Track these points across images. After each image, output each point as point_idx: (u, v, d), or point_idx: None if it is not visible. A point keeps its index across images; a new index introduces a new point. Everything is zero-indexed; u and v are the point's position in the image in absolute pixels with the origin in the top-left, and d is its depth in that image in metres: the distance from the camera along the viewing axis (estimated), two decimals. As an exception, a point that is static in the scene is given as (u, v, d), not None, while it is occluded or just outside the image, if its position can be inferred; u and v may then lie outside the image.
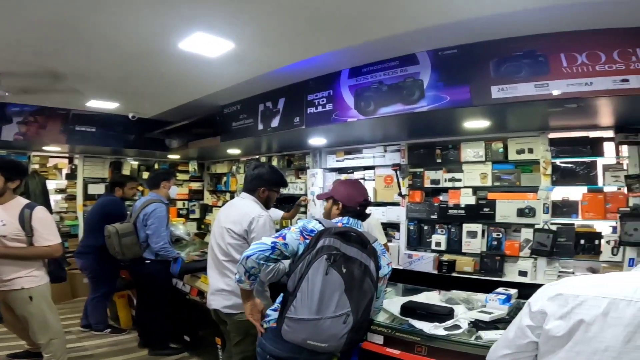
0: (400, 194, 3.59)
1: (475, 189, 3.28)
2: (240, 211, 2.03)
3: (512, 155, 3.09)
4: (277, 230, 1.71)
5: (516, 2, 1.85)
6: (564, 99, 2.13)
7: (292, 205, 3.92)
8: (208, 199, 6.25)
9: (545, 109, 2.39)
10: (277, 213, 3.61)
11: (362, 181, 3.93)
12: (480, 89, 2.31)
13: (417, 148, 3.60)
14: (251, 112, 3.73)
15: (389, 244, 3.57)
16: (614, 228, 2.71)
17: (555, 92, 2.12)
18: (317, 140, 3.90)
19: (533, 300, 0.95)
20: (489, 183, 3.19)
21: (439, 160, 3.47)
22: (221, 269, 2.02)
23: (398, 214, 3.66)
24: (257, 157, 5.19)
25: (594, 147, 2.84)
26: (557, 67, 2.13)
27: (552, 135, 2.97)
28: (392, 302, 1.98)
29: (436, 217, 3.42)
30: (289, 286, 1.45)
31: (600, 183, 2.81)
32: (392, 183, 3.69)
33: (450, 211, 3.33)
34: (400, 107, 2.60)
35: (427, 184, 3.53)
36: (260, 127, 3.64)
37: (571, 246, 2.82)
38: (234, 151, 5.10)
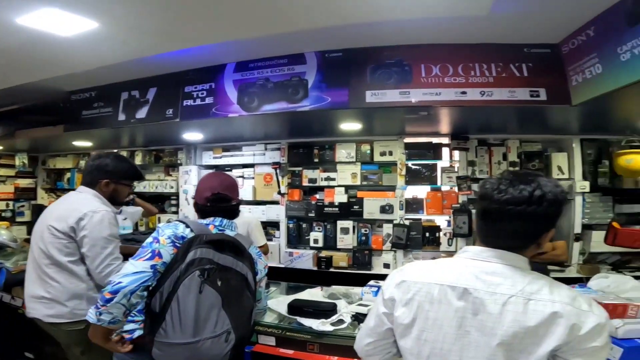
0: (279, 193, 3.64)
1: (347, 188, 3.58)
2: (69, 206, 1.72)
3: (377, 157, 3.50)
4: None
5: (389, 11, 1.96)
6: (419, 106, 2.42)
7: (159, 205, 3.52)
8: (44, 198, 5.07)
9: (402, 115, 2.71)
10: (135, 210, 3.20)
11: (241, 179, 3.84)
12: (357, 93, 2.47)
13: (296, 147, 3.71)
14: (110, 101, 3.20)
15: (270, 242, 3.58)
16: (449, 222, 3.34)
17: (414, 100, 2.38)
18: (192, 135, 3.61)
19: (385, 288, 0.98)
20: (358, 182, 3.53)
21: (316, 160, 3.66)
22: (40, 274, 1.69)
23: (278, 213, 3.69)
24: (115, 150, 4.47)
25: (436, 151, 3.46)
26: (418, 77, 2.38)
27: (407, 139, 3.47)
28: (278, 302, 1.97)
29: (314, 215, 3.59)
30: (153, 306, 1.22)
31: (439, 183, 3.42)
32: (272, 182, 3.71)
33: (326, 209, 3.54)
34: (284, 105, 2.63)
35: (305, 182, 3.67)
36: (122, 117, 3.15)
37: (420, 239, 3.35)
38: (83, 143, 4.27)
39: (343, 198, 3.53)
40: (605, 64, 1.95)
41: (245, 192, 3.76)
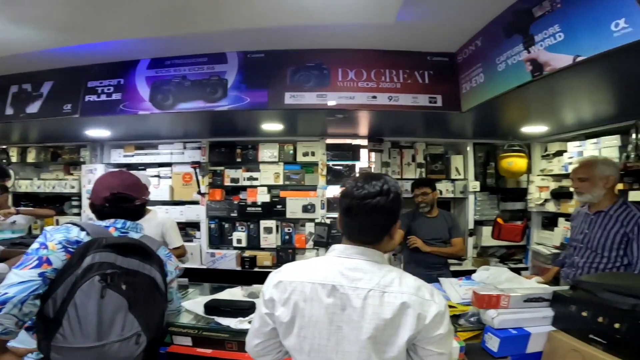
0: (200, 193, 3.52)
1: (270, 188, 3.61)
2: None
3: (300, 157, 3.59)
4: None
5: (301, 15, 1.99)
6: (335, 109, 2.52)
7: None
8: None
9: (323, 117, 2.80)
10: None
11: (156, 179, 3.62)
12: (276, 94, 2.49)
13: (218, 146, 3.62)
14: (-6, 94, 2.78)
15: (190, 244, 3.47)
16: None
17: (330, 103, 2.46)
18: (97, 131, 3.30)
19: (264, 289, 1.00)
20: (281, 182, 3.58)
21: (239, 160, 3.62)
22: None
23: (198, 213, 3.58)
24: (4, 147, 3.87)
25: (354, 153, 3.67)
26: (335, 81, 2.46)
27: (328, 141, 3.61)
28: (195, 303, 1.94)
29: (236, 215, 3.55)
30: (47, 312, 1.14)
31: (358, 182, 3.64)
32: (192, 181, 3.57)
33: (249, 209, 3.53)
34: (201, 104, 2.55)
35: (228, 182, 3.61)
36: (10, 112, 2.77)
37: (340, 236, 3.51)
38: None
39: (266, 198, 3.55)
40: (487, 74, 2.11)
41: (161, 192, 3.57)
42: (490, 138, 3.55)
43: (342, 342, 0.92)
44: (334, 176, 3.60)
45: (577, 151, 2.85)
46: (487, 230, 3.50)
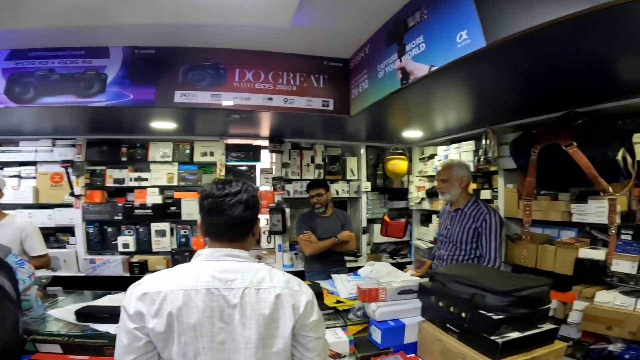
0: (73, 194, 3.10)
1: (162, 189, 3.37)
2: None
3: (197, 157, 3.43)
4: None
5: (196, 14, 1.93)
6: (230, 109, 2.47)
7: None
8: None
9: (222, 117, 2.72)
10: None
11: (16, 179, 3.08)
12: (166, 92, 2.35)
13: (98, 144, 3.23)
14: None
15: (62, 250, 3.10)
16: (267, 220, 3.57)
17: (225, 103, 2.40)
18: None
19: (126, 303, 0.96)
20: (175, 183, 3.37)
21: (124, 159, 3.29)
22: None
23: (71, 217, 3.15)
24: None
25: (255, 153, 3.65)
26: (231, 81, 2.40)
27: (229, 141, 3.52)
28: (66, 310, 1.78)
29: (121, 217, 3.23)
30: None
31: (258, 183, 3.63)
32: (62, 182, 3.12)
33: (136, 211, 3.24)
34: (72, 99, 2.26)
35: (110, 183, 3.27)
36: None
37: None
38: None
39: (157, 199, 3.30)
40: (370, 80, 2.19)
41: (22, 193, 3.06)
42: (379, 141, 3.89)
43: (227, 342, 0.94)
44: (235, 176, 3.52)
45: (444, 154, 3.30)
46: (378, 228, 3.81)
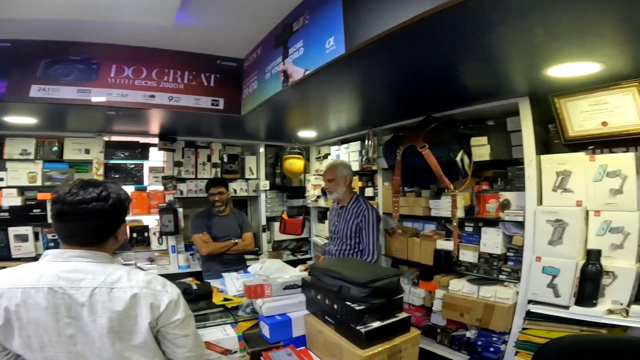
0: None
1: (23, 189, 2.92)
2: None
3: (68, 155, 3.05)
4: None
5: (78, 9, 1.83)
6: (103, 106, 2.29)
7: None
8: None
9: (98, 113, 2.50)
10: None
11: None
12: (19, 86, 2.14)
13: None
14: None
15: None
16: (158, 221, 3.36)
17: (95, 99, 2.24)
18: None
19: None
20: (39, 183, 2.95)
21: (-32, 156, 2.76)
22: None
23: None
24: None
25: (143, 151, 3.39)
26: (105, 77, 2.27)
27: (112, 138, 3.21)
28: None
29: (-33, 225, 2.70)
30: None
31: (146, 182, 3.39)
32: None
33: (-13, 216, 2.75)
34: None
35: (-52, 184, 2.70)
36: None
37: (126, 240, 3.20)
38: None
39: (16, 201, 2.85)
40: (259, 81, 2.23)
41: None
42: (278, 140, 3.94)
43: (78, 336, 0.97)
44: (118, 175, 3.26)
45: (336, 154, 3.49)
46: (277, 226, 3.88)
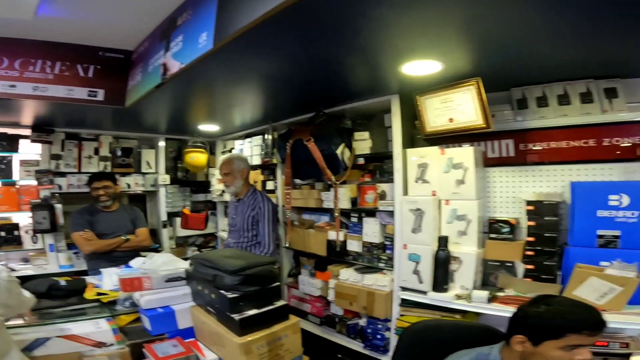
0: None
1: None
2: None
3: None
4: None
5: None
6: None
7: None
8: None
9: None
10: None
11: None
12: None
13: None
14: None
15: None
16: (31, 218, 2.99)
17: None
18: None
19: None
20: None
21: None
22: None
23: None
24: None
25: (11, 143, 2.97)
26: None
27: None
28: None
29: None
30: None
31: (16, 177, 2.98)
32: None
33: None
34: None
35: None
36: None
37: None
38: None
39: None
40: (143, 73, 2.20)
41: None
42: (180, 134, 3.75)
43: None
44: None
45: (240, 148, 3.46)
46: (180, 221, 3.71)
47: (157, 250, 3.47)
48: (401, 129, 2.10)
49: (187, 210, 3.60)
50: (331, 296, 2.48)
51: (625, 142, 1.68)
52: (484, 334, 1.35)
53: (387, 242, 2.31)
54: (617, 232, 1.60)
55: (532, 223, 1.80)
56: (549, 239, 1.75)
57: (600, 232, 1.63)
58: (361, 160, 2.43)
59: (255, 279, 1.47)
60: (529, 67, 1.68)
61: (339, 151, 2.19)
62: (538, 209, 1.78)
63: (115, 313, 1.62)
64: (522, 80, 1.89)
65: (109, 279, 1.96)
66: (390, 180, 2.21)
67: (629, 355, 1.45)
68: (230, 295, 1.38)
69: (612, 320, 1.41)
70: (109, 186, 2.76)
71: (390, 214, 2.21)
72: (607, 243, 1.62)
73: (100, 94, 2.42)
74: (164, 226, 3.68)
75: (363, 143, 2.39)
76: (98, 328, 1.47)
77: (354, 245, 2.43)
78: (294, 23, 1.27)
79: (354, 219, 2.47)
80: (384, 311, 2.16)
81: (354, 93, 2.24)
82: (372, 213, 2.35)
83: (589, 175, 1.75)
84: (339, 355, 2.49)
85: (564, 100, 1.79)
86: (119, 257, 2.71)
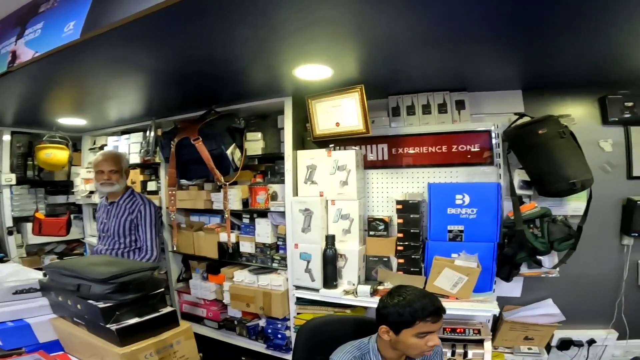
0: None
1: None
2: None
3: None
4: None
5: None
6: None
7: None
8: None
9: None
10: None
11: None
12: None
13: None
14: None
15: None
16: None
17: None
18: None
19: None
20: None
21: None
22: None
23: None
24: None
25: None
26: None
27: None
28: None
29: None
30: None
31: None
32: None
33: None
34: None
35: None
36: None
37: None
38: None
39: None
40: None
41: None
42: (33, 127, 3.12)
43: None
44: None
45: (114, 145, 3.07)
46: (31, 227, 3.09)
47: (2, 260, 2.86)
48: (292, 130, 2.18)
49: (40, 215, 3.02)
50: (227, 299, 2.43)
51: (469, 149, 2.05)
52: (366, 326, 1.49)
53: (279, 242, 2.36)
54: (461, 227, 1.90)
55: (400, 220, 2.04)
56: (414, 235, 2.02)
57: (450, 227, 1.91)
58: (254, 161, 2.44)
59: (132, 286, 1.37)
60: (401, 75, 1.87)
61: (229, 151, 2.15)
62: (405, 207, 2.03)
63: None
64: (397, 89, 2.12)
65: None
66: (282, 181, 2.28)
67: (482, 340, 1.71)
68: (102, 305, 1.27)
69: (462, 307, 1.70)
70: None
71: (282, 214, 2.27)
72: (455, 237, 1.90)
73: None
74: (10, 233, 3.03)
75: (256, 144, 2.40)
76: None
77: (246, 247, 2.43)
78: (181, 20, 1.23)
79: (246, 220, 2.46)
80: (282, 310, 2.21)
81: (248, 92, 2.22)
82: (264, 214, 2.38)
83: (442, 178, 2.10)
84: (243, 358, 2.46)
85: (426, 109, 2.09)
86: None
